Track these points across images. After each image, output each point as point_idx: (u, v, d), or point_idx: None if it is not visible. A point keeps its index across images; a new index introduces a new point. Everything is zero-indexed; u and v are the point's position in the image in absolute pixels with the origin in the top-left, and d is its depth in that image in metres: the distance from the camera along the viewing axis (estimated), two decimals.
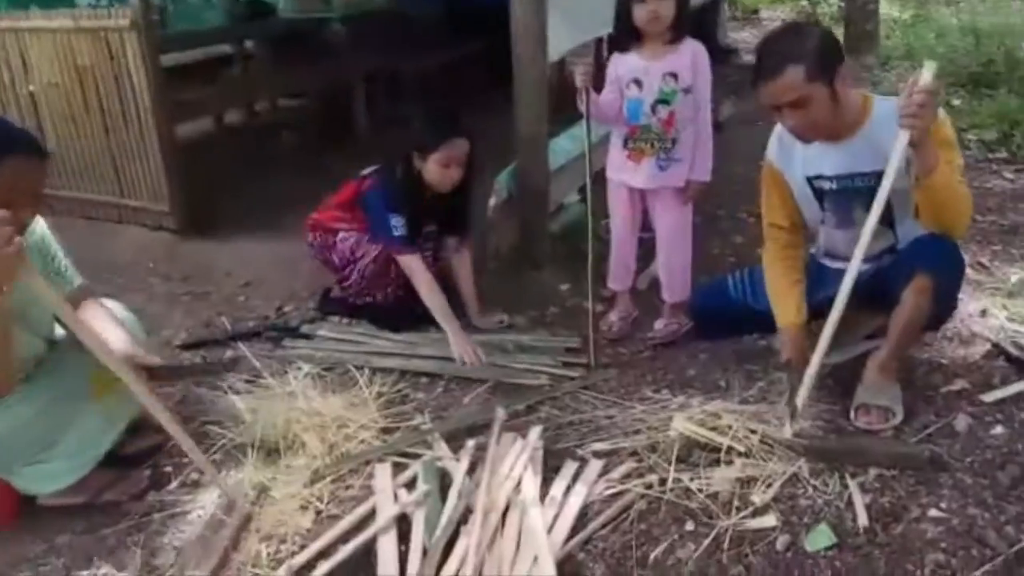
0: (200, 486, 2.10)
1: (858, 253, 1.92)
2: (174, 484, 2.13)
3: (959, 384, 2.25)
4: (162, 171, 3.76)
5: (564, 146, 3.63)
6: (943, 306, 2.08)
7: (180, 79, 5.26)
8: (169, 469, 2.19)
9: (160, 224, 3.89)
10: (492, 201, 3.12)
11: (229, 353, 2.77)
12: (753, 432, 2.02)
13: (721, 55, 7.19)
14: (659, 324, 2.72)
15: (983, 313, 2.62)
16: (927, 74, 1.81)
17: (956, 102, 4.95)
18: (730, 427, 2.04)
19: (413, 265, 2.69)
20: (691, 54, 2.46)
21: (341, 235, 2.83)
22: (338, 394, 2.45)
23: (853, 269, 1.94)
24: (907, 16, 8.79)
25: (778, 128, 2.21)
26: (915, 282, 1.96)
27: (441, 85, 5.81)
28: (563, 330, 2.84)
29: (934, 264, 1.96)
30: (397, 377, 2.57)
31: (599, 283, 2.86)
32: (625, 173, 2.60)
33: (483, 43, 5.84)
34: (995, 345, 2.41)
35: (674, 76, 2.44)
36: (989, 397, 2.18)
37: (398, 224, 2.65)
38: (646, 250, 2.93)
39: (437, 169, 2.62)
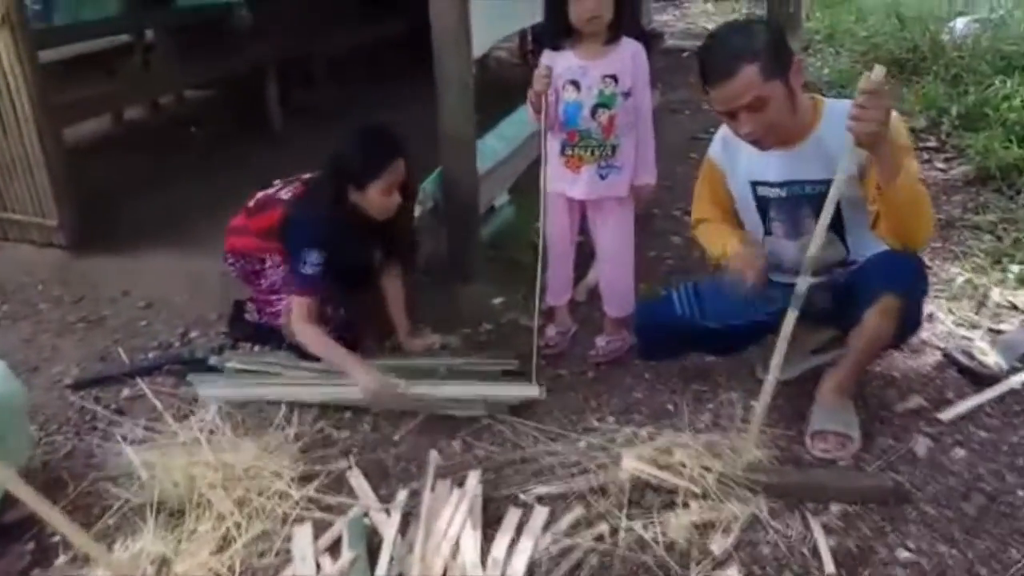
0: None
1: (807, 265, 1.81)
2: (62, 559, 1.86)
3: (914, 401, 2.16)
4: (47, 181, 3.37)
5: (492, 146, 3.43)
6: (909, 327, 1.97)
7: (75, 74, 4.81)
8: (56, 540, 1.91)
9: (49, 240, 3.49)
10: (417, 210, 2.89)
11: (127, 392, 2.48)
12: (708, 470, 1.87)
13: (646, 40, 7.07)
14: (601, 341, 2.55)
15: (929, 318, 2.54)
16: (874, 75, 1.71)
17: (866, 73, 4.92)
18: (683, 465, 1.89)
19: (303, 310, 2.40)
20: (631, 55, 2.28)
21: (270, 262, 2.57)
22: (251, 437, 2.19)
23: (803, 283, 1.82)
24: None
25: (723, 128, 2.06)
26: (881, 303, 1.84)
27: (357, 70, 5.49)
28: (499, 349, 2.64)
29: (901, 284, 1.84)
30: (318, 413, 2.33)
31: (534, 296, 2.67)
32: (563, 182, 2.40)
33: (403, 23, 5.56)
34: (946, 355, 2.33)
35: (613, 79, 2.26)
36: (946, 415, 2.09)
37: (313, 261, 2.37)
38: (583, 257, 2.76)
39: (379, 198, 2.36)
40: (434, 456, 2.03)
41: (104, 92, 4.94)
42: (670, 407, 2.27)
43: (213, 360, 2.59)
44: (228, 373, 2.54)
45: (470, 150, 2.88)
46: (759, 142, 1.92)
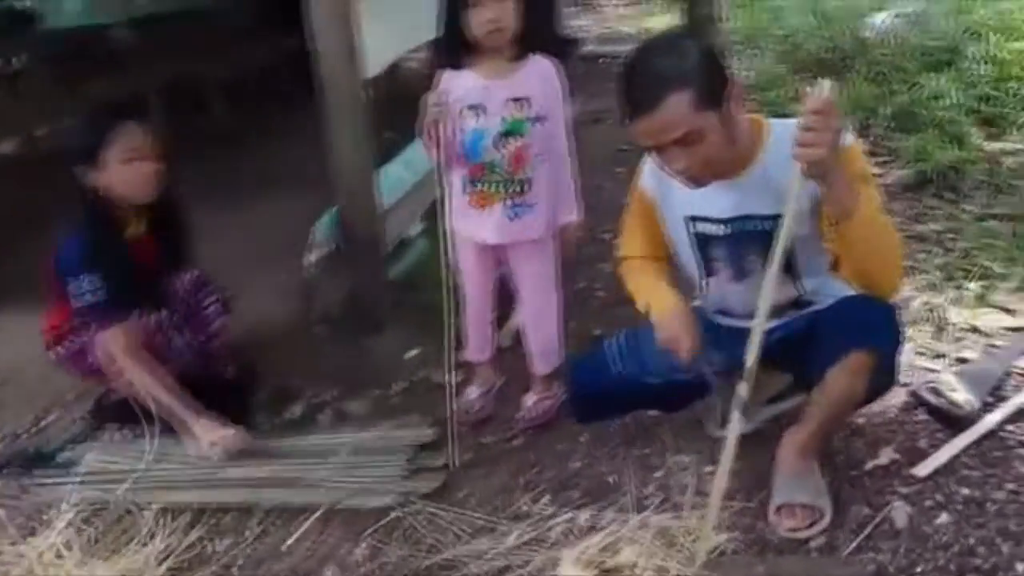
0: None
1: (761, 312, 1.52)
2: None
3: (885, 455, 1.89)
4: None
5: (397, 175, 3.07)
6: (883, 386, 1.70)
7: None
8: None
9: None
10: (310, 256, 2.51)
11: None
12: (664, 572, 1.55)
13: (561, 47, 6.82)
14: (529, 401, 2.22)
15: None
16: (822, 91, 1.45)
17: (808, 90, 4.76)
18: (634, 566, 1.57)
19: (117, 342, 2.03)
20: (542, 74, 1.96)
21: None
22: (107, 553, 1.80)
23: (758, 332, 1.53)
24: None
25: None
26: (850, 360, 1.56)
27: (255, 93, 5.06)
28: (413, 414, 2.28)
29: (872, 338, 1.57)
30: (193, 516, 1.94)
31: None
32: (469, 224, 2.07)
33: (303, 42, 5.12)
34: (912, 394, 2.08)
35: (522, 102, 1.93)
36: (922, 470, 1.82)
37: (91, 286, 2.00)
38: (507, 294, 2.41)
39: (123, 169, 2.00)
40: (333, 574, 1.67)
41: None
42: (612, 479, 1.95)
43: (67, 455, 2.16)
44: (86, 470, 2.11)
45: (367, 183, 2.53)
46: (694, 179, 1.62)
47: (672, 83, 1.50)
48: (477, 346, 2.26)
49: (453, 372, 2.01)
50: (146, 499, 1.97)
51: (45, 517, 1.95)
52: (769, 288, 1.50)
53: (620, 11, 10.30)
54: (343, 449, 2.11)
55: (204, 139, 4.87)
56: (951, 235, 2.94)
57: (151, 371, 2.05)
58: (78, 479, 2.06)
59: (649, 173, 1.84)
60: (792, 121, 1.74)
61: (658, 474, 1.94)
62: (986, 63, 3.97)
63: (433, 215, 3.34)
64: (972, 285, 2.54)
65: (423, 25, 3.43)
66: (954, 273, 2.65)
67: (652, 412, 2.10)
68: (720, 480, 1.60)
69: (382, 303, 2.66)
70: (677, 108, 1.50)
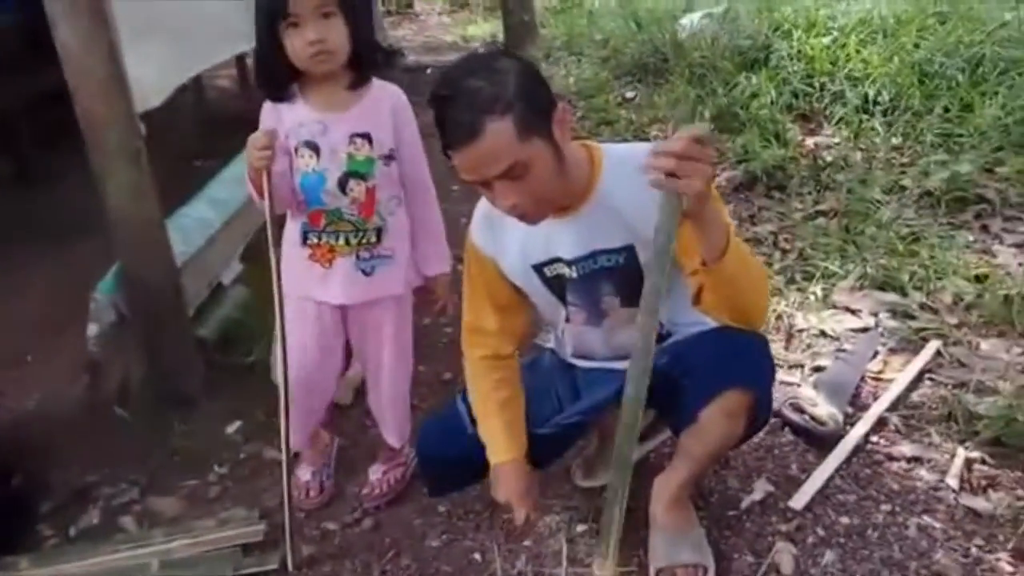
0: None
1: (641, 354, 1.34)
2: None
3: (760, 489, 1.78)
4: None
5: (199, 217, 2.68)
6: (762, 422, 1.56)
7: None
8: None
9: None
10: (91, 329, 2.09)
11: None
12: None
13: (384, 58, 6.54)
14: (375, 473, 1.94)
15: None
16: (698, 125, 1.27)
17: (631, 94, 4.78)
18: None
19: None
20: (389, 104, 1.67)
21: None
22: None
23: (637, 377, 1.35)
24: (556, 2, 8.82)
25: (483, 202, 1.53)
26: (727, 400, 1.41)
27: (27, 132, 4.40)
28: (238, 506, 1.94)
29: (747, 375, 1.42)
30: None
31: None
32: (309, 282, 1.73)
33: None
34: (776, 413, 1.99)
35: (366, 138, 1.63)
36: (798, 502, 1.73)
37: None
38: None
39: None
40: None
41: None
42: (478, 556, 1.72)
43: None
44: None
45: (156, 234, 2.14)
46: (526, 216, 1.41)
47: (490, 109, 1.28)
48: (302, 431, 1.88)
49: (289, 447, 1.67)
50: None
51: None
52: (650, 318, 1.30)
53: (440, 19, 10.14)
54: (151, 565, 1.73)
55: None
56: (785, 235, 2.95)
57: None
58: None
59: (480, 227, 1.60)
60: (623, 147, 1.58)
61: (528, 542, 1.73)
62: (796, 60, 4.10)
63: (249, 258, 2.99)
64: (816, 288, 2.53)
65: (219, 39, 3.08)
66: (794, 276, 2.65)
67: None
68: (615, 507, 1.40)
69: (192, 371, 2.27)
70: (498, 137, 1.29)
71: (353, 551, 1.78)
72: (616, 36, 5.69)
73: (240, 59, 5.19)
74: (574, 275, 1.54)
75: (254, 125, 1.62)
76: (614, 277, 1.53)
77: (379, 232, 1.71)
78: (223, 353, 2.47)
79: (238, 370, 2.41)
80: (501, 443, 1.60)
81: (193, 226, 2.56)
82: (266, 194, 1.55)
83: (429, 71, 6.78)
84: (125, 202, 2.02)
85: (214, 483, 2.04)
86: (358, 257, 1.71)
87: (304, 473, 1.95)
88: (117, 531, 1.91)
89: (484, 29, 8.78)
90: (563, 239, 1.51)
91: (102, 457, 2.11)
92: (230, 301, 2.75)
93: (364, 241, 1.70)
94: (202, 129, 4.93)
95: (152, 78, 2.14)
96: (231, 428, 2.21)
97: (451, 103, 1.30)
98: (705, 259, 1.30)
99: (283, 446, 1.66)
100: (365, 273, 1.73)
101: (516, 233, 1.52)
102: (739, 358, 1.42)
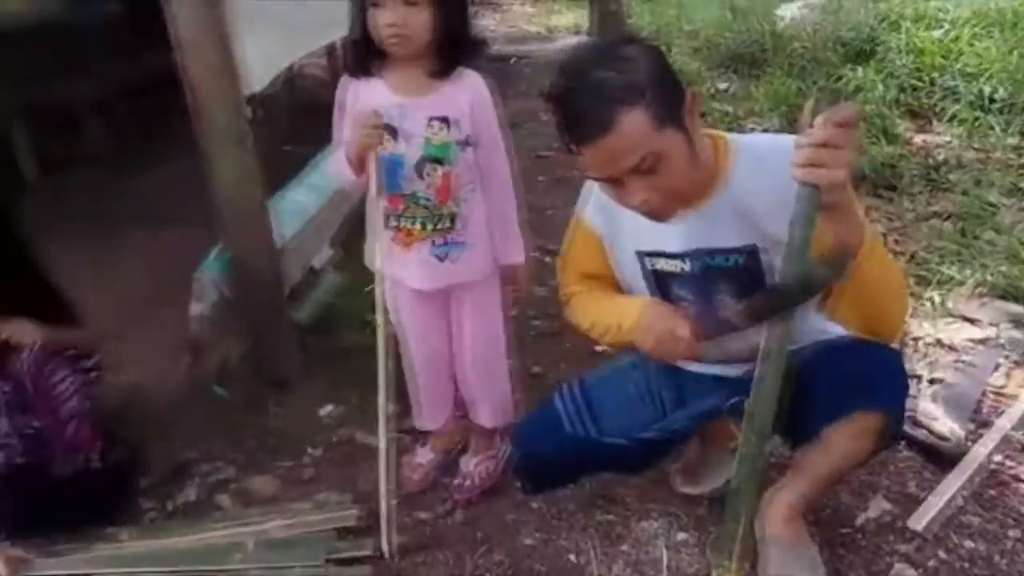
0: None
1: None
2: None
3: (876, 506, 1.68)
4: None
5: (297, 201, 2.70)
6: (889, 443, 1.47)
7: None
8: None
9: None
10: (194, 309, 2.13)
11: None
12: None
13: (471, 48, 6.54)
14: (468, 465, 1.91)
15: None
16: (844, 106, 1.15)
17: (724, 86, 4.64)
18: None
19: None
20: (469, 90, 1.64)
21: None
22: None
23: (767, 385, 1.26)
24: None
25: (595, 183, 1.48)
26: (852, 422, 1.33)
27: (134, 112, 4.56)
28: (332, 489, 1.94)
29: (880, 396, 1.33)
30: None
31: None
32: (395, 265, 1.73)
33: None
34: None
35: (445, 122, 1.61)
36: (919, 522, 1.62)
37: None
38: None
39: None
40: None
41: None
42: (573, 557, 1.67)
43: None
44: None
45: (260, 218, 2.16)
46: (656, 212, 1.35)
47: (623, 98, 1.23)
48: (431, 412, 1.93)
49: (388, 434, 1.66)
50: None
51: None
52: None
53: (524, 8, 10.07)
54: (247, 544, 1.75)
55: (83, 167, 4.35)
56: (896, 237, 2.80)
57: None
58: None
59: (594, 203, 1.56)
60: (761, 138, 1.51)
61: (624, 547, 1.67)
62: (905, 53, 3.89)
63: (343, 242, 3.02)
64: (935, 295, 2.38)
65: (318, 26, 3.10)
66: (908, 280, 2.50)
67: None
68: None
69: (288, 353, 2.29)
70: (633, 128, 1.23)
71: (446, 542, 1.76)
72: (709, 25, 5.53)
73: (331, 48, 5.27)
74: (686, 270, 1.47)
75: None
76: (731, 278, 1.45)
77: (454, 218, 1.68)
78: (317, 337, 2.49)
79: (332, 354, 2.42)
80: (631, 300, 1.53)
81: (291, 210, 2.59)
82: (373, 173, 1.55)
83: (513, 61, 6.74)
84: (232, 185, 2.04)
85: (308, 465, 2.05)
86: (433, 243, 1.69)
87: (421, 457, 1.95)
88: (214, 508, 1.94)
89: (568, 19, 8.67)
90: (673, 233, 1.44)
91: (200, 435, 2.15)
92: (323, 285, 2.78)
93: (439, 227, 1.68)
94: (292, 116, 5.02)
95: (258, 63, 2.16)
96: (324, 411, 2.22)
97: (578, 95, 1.25)
98: (837, 255, 1.21)
99: (381, 431, 1.65)
100: (439, 259, 1.71)
101: (628, 217, 1.46)
102: (872, 377, 1.33)
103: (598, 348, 2.09)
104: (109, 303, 2.88)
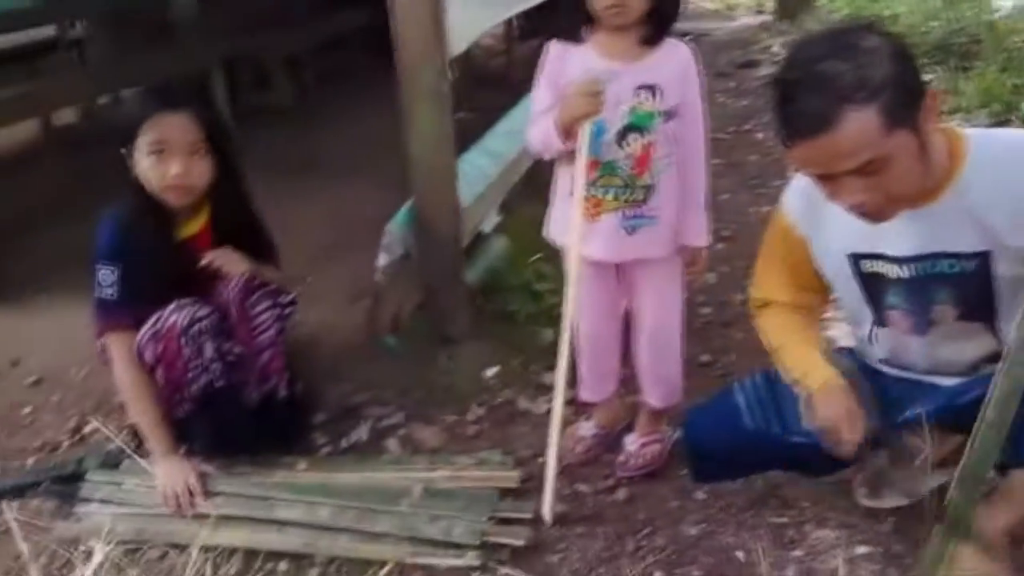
0: None
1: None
2: None
3: None
4: None
5: (477, 166, 2.75)
6: None
7: None
8: None
9: None
10: (381, 260, 2.21)
11: None
12: None
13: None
14: (632, 444, 1.88)
15: None
16: None
17: (926, 78, 4.27)
18: None
19: (115, 350, 1.83)
20: (678, 62, 1.60)
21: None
22: None
23: (1002, 400, 1.15)
24: None
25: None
26: None
27: (317, 69, 4.80)
28: (494, 448, 1.97)
29: None
30: (243, 562, 1.67)
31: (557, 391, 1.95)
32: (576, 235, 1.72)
33: (367, 17, 4.85)
34: None
35: (652, 91, 1.57)
36: None
37: (106, 280, 1.79)
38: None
39: (147, 162, 1.75)
40: None
41: (25, 93, 4.23)
42: (739, 554, 1.61)
43: (99, 475, 1.90)
44: (124, 494, 1.86)
45: (449, 178, 2.21)
46: (872, 215, 1.25)
47: (853, 96, 1.14)
48: (594, 386, 1.92)
49: (561, 405, 1.67)
50: (187, 537, 1.70)
51: (75, 552, 1.70)
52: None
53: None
54: (414, 490, 1.81)
55: (270, 119, 4.65)
56: None
57: (137, 391, 1.82)
58: (114, 508, 1.81)
59: (797, 199, 1.47)
60: (1002, 133, 1.37)
61: (797, 552, 1.59)
62: None
63: (508, 208, 3.04)
64: None
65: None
66: None
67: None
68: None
69: (460, 312, 2.34)
70: (858, 128, 1.14)
71: (606, 519, 1.74)
72: (913, 12, 5.11)
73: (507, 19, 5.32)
74: (904, 275, 1.37)
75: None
76: (954, 285, 1.34)
77: (647, 191, 1.64)
78: (484, 298, 2.53)
79: (499, 316, 2.45)
80: (820, 366, 1.46)
81: (473, 174, 2.63)
82: (584, 142, 1.54)
83: (689, 39, 6.53)
84: (427, 144, 2.10)
85: (472, 422, 2.09)
86: (624, 215, 1.66)
87: (584, 430, 1.95)
88: (382, 451, 2.02)
89: None
90: (896, 235, 1.34)
91: (372, 379, 2.24)
92: (492, 249, 2.81)
93: (631, 198, 1.64)
94: (466, 83, 5.13)
95: (461, 24, 2.19)
96: (490, 372, 2.26)
97: (802, 87, 1.18)
98: None
99: (556, 397, 1.66)
100: (628, 232, 1.67)
101: (836, 216, 1.36)
102: None
103: None
104: (287, 248, 3.07)
